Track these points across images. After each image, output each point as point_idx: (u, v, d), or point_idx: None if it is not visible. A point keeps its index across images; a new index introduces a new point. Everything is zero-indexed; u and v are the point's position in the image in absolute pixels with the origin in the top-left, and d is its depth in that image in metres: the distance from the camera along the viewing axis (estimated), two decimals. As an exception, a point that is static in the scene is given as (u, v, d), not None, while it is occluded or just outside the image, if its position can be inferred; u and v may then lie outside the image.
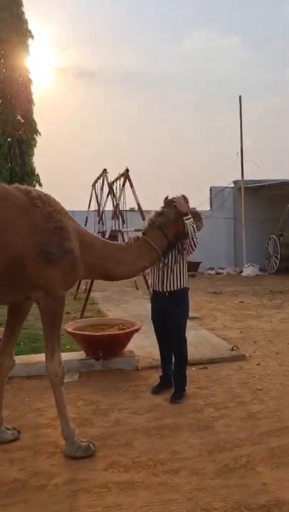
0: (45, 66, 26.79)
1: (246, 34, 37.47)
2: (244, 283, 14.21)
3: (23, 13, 15.62)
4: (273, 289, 12.32)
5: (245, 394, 4.50)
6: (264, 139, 27.81)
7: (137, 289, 11.83)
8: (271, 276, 15.84)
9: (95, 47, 35.87)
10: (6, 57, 15.40)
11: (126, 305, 9.82)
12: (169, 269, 4.31)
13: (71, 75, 34.27)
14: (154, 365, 5.20)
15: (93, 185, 13.77)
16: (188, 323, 7.55)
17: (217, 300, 10.65)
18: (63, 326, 5.60)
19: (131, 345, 5.70)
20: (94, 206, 13.69)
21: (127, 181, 9.01)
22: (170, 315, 4.40)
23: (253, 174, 18.36)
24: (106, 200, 11.25)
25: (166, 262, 4.27)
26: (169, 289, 4.37)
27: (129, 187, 9.06)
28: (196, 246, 4.17)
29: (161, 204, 4.22)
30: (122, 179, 9.26)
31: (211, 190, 19.62)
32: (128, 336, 5.26)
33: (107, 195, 10.89)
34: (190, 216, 4.08)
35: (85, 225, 13.59)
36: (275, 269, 16.54)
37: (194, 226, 4.10)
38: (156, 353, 4.97)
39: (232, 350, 5.83)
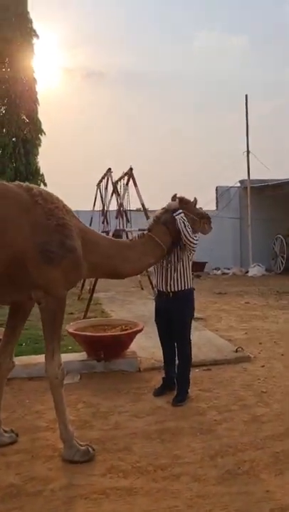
0: (53, 66, 26.89)
1: (248, 34, 37.41)
2: (250, 283, 14.08)
3: (27, 12, 15.61)
4: (279, 289, 12.18)
5: (249, 397, 4.40)
6: (265, 139, 27.70)
7: (142, 289, 11.75)
8: (277, 277, 15.69)
9: (103, 47, 35.95)
10: (11, 56, 15.38)
11: (130, 305, 9.73)
12: (173, 268, 4.22)
13: (79, 75, 34.34)
14: (156, 367, 5.11)
15: (98, 185, 13.70)
16: (193, 323, 7.48)
17: (222, 300, 10.54)
18: (65, 326, 5.55)
19: (133, 346, 5.61)
20: (99, 206, 13.64)
21: (131, 180, 8.91)
22: (174, 316, 4.30)
23: (258, 174, 18.24)
24: (110, 200, 11.17)
25: (170, 259, 4.18)
26: (173, 289, 4.27)
27: (133, 186, 8.96)
28: (191, 241, 4.04)
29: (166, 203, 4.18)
30: (126, 178, 9.17)
31: (216, 189, 19.49)
32: (130, 337, 5.17)
33: (112, 195, 10.82)
34: (180, 211, 3.99)
35: (90, 224, 13.50)
36: (282, 269, 16.40)
37: (186, 221, 3.98)
38: (159, 354, 4.87)
39: (236, 351, 5.73)
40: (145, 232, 3.95)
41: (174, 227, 3.94)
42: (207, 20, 38.56)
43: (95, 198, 13.96)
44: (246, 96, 18.04)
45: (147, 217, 7.77)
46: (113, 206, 11.85)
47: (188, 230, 3.97)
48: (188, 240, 4.02)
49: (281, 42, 37.16)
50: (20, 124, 15.54)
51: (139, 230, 7.72)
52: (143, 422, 3.88)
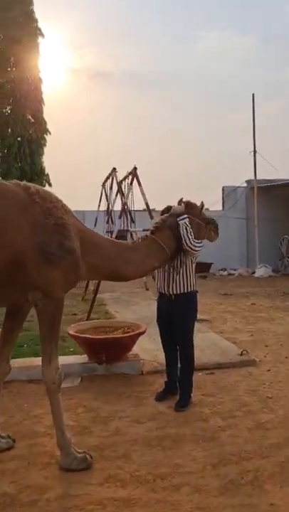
0: (60, 67, 26.89)
1: (253, 33, 37.22)
2: (256, 284, 13.92)
3: (32, 11, 15.59)
4: (286, 290, 12.02)
5: (253, 402, 4.26)
6: (272, 139, 27.51)
7: (147, 289, 11.61)
8: (284, 278, 15.51)
9: (109, 48, 35.90)
10: (16, 56, 15.38)
11: (135, 306, 9.62)
12: (175, 271, 4.09)
13: (86, 76, 34.29)
14: (159, 370, 4.98)
15: (103, 185, 13.61)
16: (197, 325, 7.30)
17: (228, 302, 10.40)
18: (67, 327, 5.45)
19: (136, 349, 5.50)
20: (104, 206, 13.54)
21: (135, 180, 8.79)
22: (176, 318, 4.18)
23: (265, 174, 18.08)
24: (115, 200, 11.07)
25: (173, 263, 4.05)
26: (175, 292, 4.15)
27: (138, 186, 8.84)
28: (192, 248, 3.88)
29: (172, 204, 4.07)
30: (130, 178, 9.06)
31: (223, 189, 19.34)
32: (132, 339, 5.05)
33: (116, 194, 10.71)
34: (185, 216, 3.86)
35: (95, 225, 13.44)
36: (289, 270, 16.22)
37: (189, 227, 3.84)
38: (162, 356, 4.74)
39: (241, 354, 5.59)
40: (148, 234, 3.83)
41: (178, 232, 3.82)
42: (211, 20, 38.50)
43: (100, 198, 13.87)
44: (253, 95, 17.90)
45: (151, 217, 7.65)
46: (118, 206, 11.75)
47: (190, 236, 3.83)
48: (189, 246, 3.87)
49: (285, 41, 36.88)
50: (26, 124, 15.53)
51: (144, 230, 7.60)
52: (144, 427, 3.76)
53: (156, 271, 4.24)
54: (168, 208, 4.05)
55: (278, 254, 17.09)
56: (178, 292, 4.12)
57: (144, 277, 10.80)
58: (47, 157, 16.23)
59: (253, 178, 17.91)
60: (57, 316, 3.13)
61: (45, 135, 16.08)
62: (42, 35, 15.96)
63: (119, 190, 10.47)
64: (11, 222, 2.96)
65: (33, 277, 3.00)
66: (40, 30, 15.85)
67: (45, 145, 16.08)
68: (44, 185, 16.09)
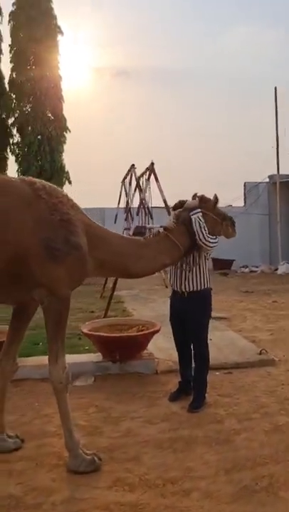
0: (84, 65, 26.94)
1: (278, 29, 36.45)
2: (278, 281, 13.64)
3: (52, 9, 15.59)
4: (309, 288, 11.73)
5: (271, 404, 4.10)
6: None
7: (166, 287, 11.47)
8: (308, 275, 15.16)
9: (132, 46, 35.76)
10: (36, 54, 15.40)
11: (153, 304, 9.51)
12: (188, 268, 3.96)
13: (108, 74, 34.27)
14: (174, 369, 4.84)
15: (123, 182, 13.57)
16: (215, 323, 7.24)
17: (248, 299, 10.18)
18: (82, 325, 5.38)
19: (151, 347, 5.39)
20: (124, 203, 13.50)
21: (153, 176, 8.69)
22: (189, 317, 4.04)
23: (288, 169, 17.71)
24: (133, 196, 11.01)
25: (186, 260, 3.92)
26: (188, 289, 4.01)
27: (155, 182, 8.74)
28: (207, 243, 3.75)
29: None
30: (148, 173, 8.96)
31: (244, 185, 19.05)
32: (146, 338, 4.94)
33: (134, 190, 10.65)
34: (198, 211, 3.72)
35: (115, 222, 13.41)
36: (312, 267, 15.85)
37: (202, 222, 3.70)
38: (177, 355, 4.62)
39: (260, 353, 5.42)
40: (161, 230, 3.71)
41: (192, 227, 3.69)
42: (234, 16, 37.91)
43: (120, 195, 13.83)
44: (275, 89, 17.55)
45: (169, 214, 7.52)
46: (137, 202, 11.67)
47: (204, 231, 3.69)
48: (203, 241, 3.73)
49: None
50: (46, 122, 15.55)
51: (161, 226, 7.49)
52: (156, 428, 3.65)
53: (169, 267, 4.12)
54: (181, 203, 3.91)
55: (302, 251, 16.74)
56: (191, 290, 3.99)
57: (163, 274, 10.73)
58: (68, 155, 16.26)
59: (275, 173, 17.56)
60: (63, 313, 3.05)
61: (64, 132, 16.08)
62: (61, 32, 15.98)
63: (138, 186, 10.40)
64: (14, 218, 2.89)
65: (38, 274, 2.92)
66: (59, 28, 15.86)
67: (64, 142, 16.08)
68: (64, 183, 16.13)
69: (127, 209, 11.72)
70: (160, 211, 11.23)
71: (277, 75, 33.13)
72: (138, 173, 10.96)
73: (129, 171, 12.02)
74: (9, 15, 15.66)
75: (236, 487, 2.82)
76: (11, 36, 15.76)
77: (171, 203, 9.04)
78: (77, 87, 26.40)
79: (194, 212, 3.71)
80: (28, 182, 3.06)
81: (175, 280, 4.06)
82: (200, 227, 3.68)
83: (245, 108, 32.20)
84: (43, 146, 15.32)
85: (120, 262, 3.39)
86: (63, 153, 16.03)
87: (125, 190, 13.20)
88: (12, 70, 15.85)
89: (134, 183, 11.33)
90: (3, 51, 16.02)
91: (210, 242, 3.75)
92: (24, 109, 15.69)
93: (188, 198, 4.03)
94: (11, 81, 15.79)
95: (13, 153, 15.98)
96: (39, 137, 15.44)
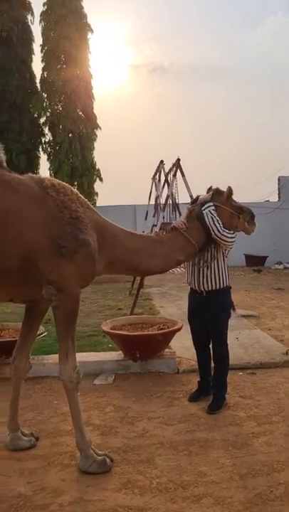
0: (119, 63, 26.94)
1: None
2: (313, 278, 13.20)
3: (82, 7, 15.64)
4: None
5: (294, 406, 3.94)
6: None
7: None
8: None
9: (168, 42, 35.43)
10: (67, 53, 15.47)
11: (180, 301, 9.36)
12: (206, 266, 3.82)
13: (145, 71, 34.12)
14: (196, 369, 4.68)
15: (153, 178, 13.50)
16: (243, 321, 7.08)
17: (280, 297, 9.89)
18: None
19: (176, 346, 5.31)
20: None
21: (179, 171, 8.57)
22: (208, 317, 3.92)
23: None
24: (162, 192, 10.91)
25: (203, 257, 3.80)
26: (206, 288, 3.89)
27: (182, 177, 8.61)
28: (222, 238, 3.61)
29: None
30: (174, 169, 8.84)
31: (279, 180, 18.57)
32: (166, 336, 4.84)
33: (163, 187, 10.56)
34: (210, 205, 3.59)
35: (145, 218, 13.38)
36: None
37: (215, 216, 3.57)
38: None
39: (287, 354, 5.22)
40: (174, 226, 3.61)
41: (205, 222, 3.56)
42: (269, 8, 36.87)
43: (150, 192, 13.77)
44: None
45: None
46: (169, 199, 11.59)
47: (218, 224, 3.55)
48: (219, 236, 3.59)
49: None
50: (76, 120, 15.63)
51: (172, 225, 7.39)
52: (172, 430, 3.57)
53: (185, 265, 4.01)
54: (197, 198, 3.79)
55: None
56: (209, 289, 3.86)
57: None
58: (102, 152, 16.34)
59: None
60: (72, 312, 3.01)
61: (95, 130, 16.12)
62: (91, 30, 16.00)
63: (166, 182, 10.31)
64: (23, 216, 2.87)
65: (47, 272, 2.89)
66: (89, 25, 15.88)
67: (95, 140, 16.12)
68: (95, 180, 16.20)
69: (156, 205, 11.63)
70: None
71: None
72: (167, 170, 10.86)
73: (158, 167, 11.93)
74: (40, 15, 15.82)
75: (250, 494, 2.71)
76: (42, 36, 15.92)
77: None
78: (113, 84, 26.45)
79: (206, 206, 3.58)
80: (36, 180, 3.03)
81: (192, 278, 3.94)
82: (213, 221, 3.55)
83: (281, 101, 31.35)
84: (74, 144, 15.41)
85: (131, 259, 3.32)
86: (94, 151, 16.09)
87: (156, 187, 13.14)
88: (43, 69, 16.01)
89: (163, 179, 11.24)
90: (34, 51, 16.23)
91: (226, 236, 3.61)
92: (55, 107, 15.82)
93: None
94: (43, 80, 15.95)
95: (45, 151, 16.19)
96: (70, 135, 15.54)
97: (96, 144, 16.25)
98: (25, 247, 2.87)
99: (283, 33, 35.66)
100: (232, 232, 3.68)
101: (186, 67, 34.23)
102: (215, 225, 3.54)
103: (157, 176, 12.53)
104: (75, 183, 15.59)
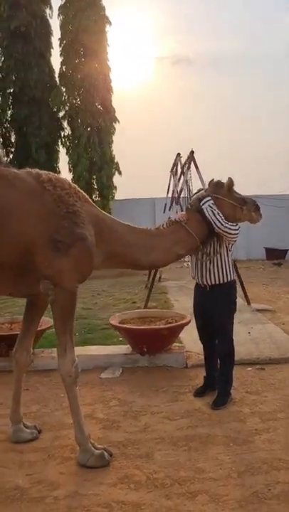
0: (143, 56, 26.72)
1: None
2: None
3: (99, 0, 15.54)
4: None
5: (301, 403, 3.86)
6: None
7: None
8: None
9: (191, 34, 34.87)
10: (85, 46, 15.43)
11: (196, 295, 9.31)
12: (209, 260, 3.77)
13: (169, 63, 33.72)
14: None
15: (171, 171, 13.40)
16: (257, 315, 6.98)
17: (298, 291, 9.71)
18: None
19: (186, 339, 5.27)
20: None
21: (193, 164, 8.47)
22: (212, 312, 3.87)
23: None
24: (177, 185, 10.83)
25: (205, 251, 3.74)
26: (209, 283, 3.83)
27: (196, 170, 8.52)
28: (225, 230, 3.55)
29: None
30: (188, 162, 8.74)
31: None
32: (174, 331, 4.81)
33: (179, 179, 10.47)
34: (208, 199, 3.52)
35: (164, 211, 13.29)
36: None
37: (214, 209, 3.50)
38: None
39: (298, 349, 5.13)
40: (174, 219, 3.57)
41: (206, 216, 3.51)
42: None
43: (169, 185, 13.68)
44: None
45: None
46: (183, 192, 11.49)
47: (220, 217, 3.49)
48: (222, 229, 3.54)
49: None
50: (94, 113, 15.60)
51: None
52: (174, 425, 3.55)
53: (190, 258, 3.96)
54: (200, 191, 3.73)
55: None
56: (212, 283, 3.80)
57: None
58: (122, 145, 16.26)
59: None
60: (70, 306, 3.01)
61: (114, 123, 16.07)
62: (109, 23, 15.89)
63: (182, 175, 10.22)
64: (20, 211, 2.88)
65: (43, 267, 2.90)
66: (107, 18, 15.78)
67: (113, 133, 16.06)
68: (114, 174, 16.17)
69: (172, 198, 11.55)
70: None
71: None
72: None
73: (175, 160, 11.84)
74: (58, 9, 15.80)
75: (247, 492, 2.67)
76: (60, 29, 15.90)
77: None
78: (135, 77, 26.29)
79: (204, 201, 3.52)
80: (34, 174, 3.03)
81: (196, 272, 3.90)
82: (213, 214, 3.49)
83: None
84: (92, 138, 15.39)
85: (131, 253, 3.30)
86: (112, 144, 16.04)
87: (174, 180, 13.05)
88: (62, 63, 16.00)
89: (179, 171, 11.15)
90: (53, 45, 16.25)
91: (229, 228, 3.55)
92: (74, 101, 15.81)
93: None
94: (61, 74, 15.95)
95: (64, 145, 16.22)
96: (88, 129, 15.53)
97: (114, 138, 16.21)
98: (23, 242, 2.88)
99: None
100: (235, 224, 3.62)
101: (212, 59, 33.55)
102: (216, 218, 3.49)
103: (174, 169, 12.43)
104: (94, 176, 15.61)
